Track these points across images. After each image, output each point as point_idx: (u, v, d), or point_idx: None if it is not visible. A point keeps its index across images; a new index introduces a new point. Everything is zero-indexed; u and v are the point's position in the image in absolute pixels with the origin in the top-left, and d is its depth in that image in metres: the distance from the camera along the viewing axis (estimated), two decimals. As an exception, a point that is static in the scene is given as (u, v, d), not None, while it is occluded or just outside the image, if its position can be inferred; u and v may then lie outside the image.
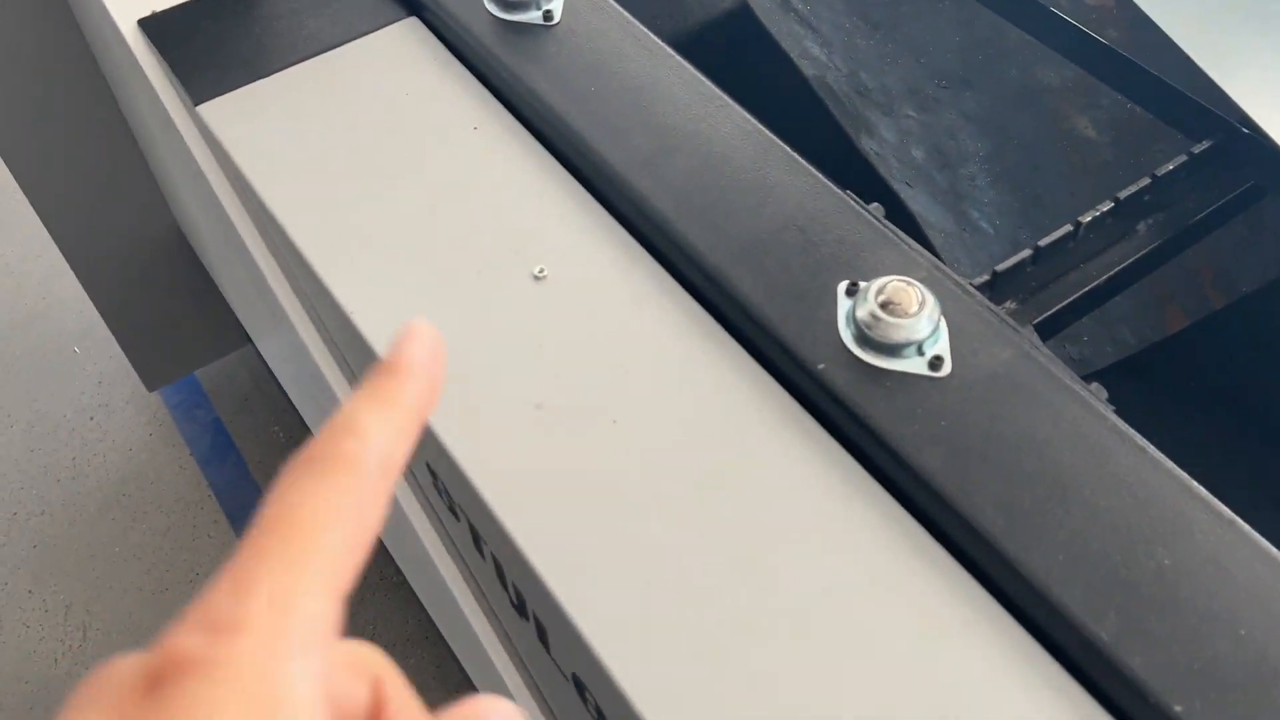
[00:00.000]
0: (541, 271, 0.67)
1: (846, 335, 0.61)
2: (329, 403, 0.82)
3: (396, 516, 0.84)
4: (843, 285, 0.64)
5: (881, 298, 0.60)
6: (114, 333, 1.44)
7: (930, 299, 0.60)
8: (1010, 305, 0.70)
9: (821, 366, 0.60)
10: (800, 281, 0.64)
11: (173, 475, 1.62)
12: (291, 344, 0.87)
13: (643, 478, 0.58)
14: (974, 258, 1.09)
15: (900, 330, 0.59)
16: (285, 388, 1.31)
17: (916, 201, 1.02)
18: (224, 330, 1.45)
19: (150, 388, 1.55)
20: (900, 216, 0.83)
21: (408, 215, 0.71)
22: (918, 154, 1.21)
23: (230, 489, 1.60)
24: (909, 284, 0.60)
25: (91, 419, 1.68)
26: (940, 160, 1.20)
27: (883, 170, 1.05)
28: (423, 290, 0.67)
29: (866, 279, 0.64)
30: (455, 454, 0.60)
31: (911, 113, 1.21)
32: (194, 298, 1.43)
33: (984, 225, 1.18)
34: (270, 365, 1.30)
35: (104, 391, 1.71)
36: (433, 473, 0.68)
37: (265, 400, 1.67)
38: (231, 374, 1.73)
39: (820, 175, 0.70)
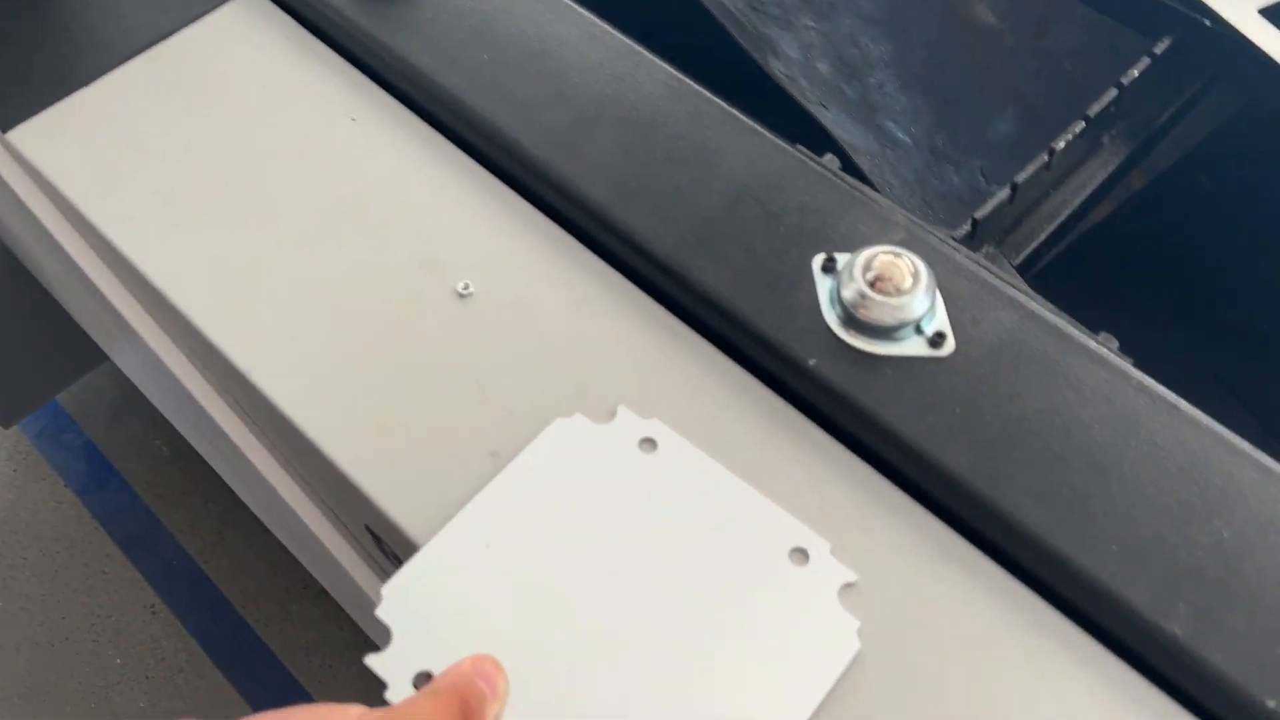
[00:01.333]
0: (466, 288, 0.57)
1: (832, 319, 0.54)
2: (199, 418, 0.70)
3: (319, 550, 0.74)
4: (817, 260, 0.56)
5: (870, 274, 0.52)
6: (-49, 371, 1.27)
7: (923, 270, 0.53)
8: (988, 250, 0.63)
9: (813, 362, 0.52)
10: (768, 262, 0.56)
11: (49, 511, 1.47)
12: (151, 363, 0.75)
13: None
14: (901, 176, 1.02)
15: (895, 310, 0.52)
16: (154, 402, 1.17)
17: (838, 126, 0.94)
18: (78, 349, 1.30)
19: (6, 424, 1.39)
20: (827, 145, 0.75)
21: (288, 239, 0.60)
22: (823, 68, 1.13)
23: (116, 516, 1.46)
24: (897, 255, 0.53)
25: (-57, 461, 1.50)
26: (847, 71, 1.12)
27: (796, 93, 0.97)
28: (326, 337, 0.56)
29: (842, 249, 0.56)
30: (408, 531, 0.50)
31: (810, 22, 1.12)
32: (37, 319, 1.27)
33: (901, 136, 1.11)
34: (134, 380, 1.15)
35: (-48, 429, 1.53)
36: (374, 535, 0.59)
37: (139, 411, 1.52)
38: (97, 387, 1.57)
39: (764, 131, 0.61)
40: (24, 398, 1.37)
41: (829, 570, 0.48)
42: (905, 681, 0.46)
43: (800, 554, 0.49)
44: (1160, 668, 0.46)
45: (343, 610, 1.26)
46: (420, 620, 0.47)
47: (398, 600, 0.47)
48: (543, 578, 0.48)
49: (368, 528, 0.59)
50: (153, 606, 1.39)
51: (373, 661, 0.45)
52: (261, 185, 0.62)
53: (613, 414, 0.53)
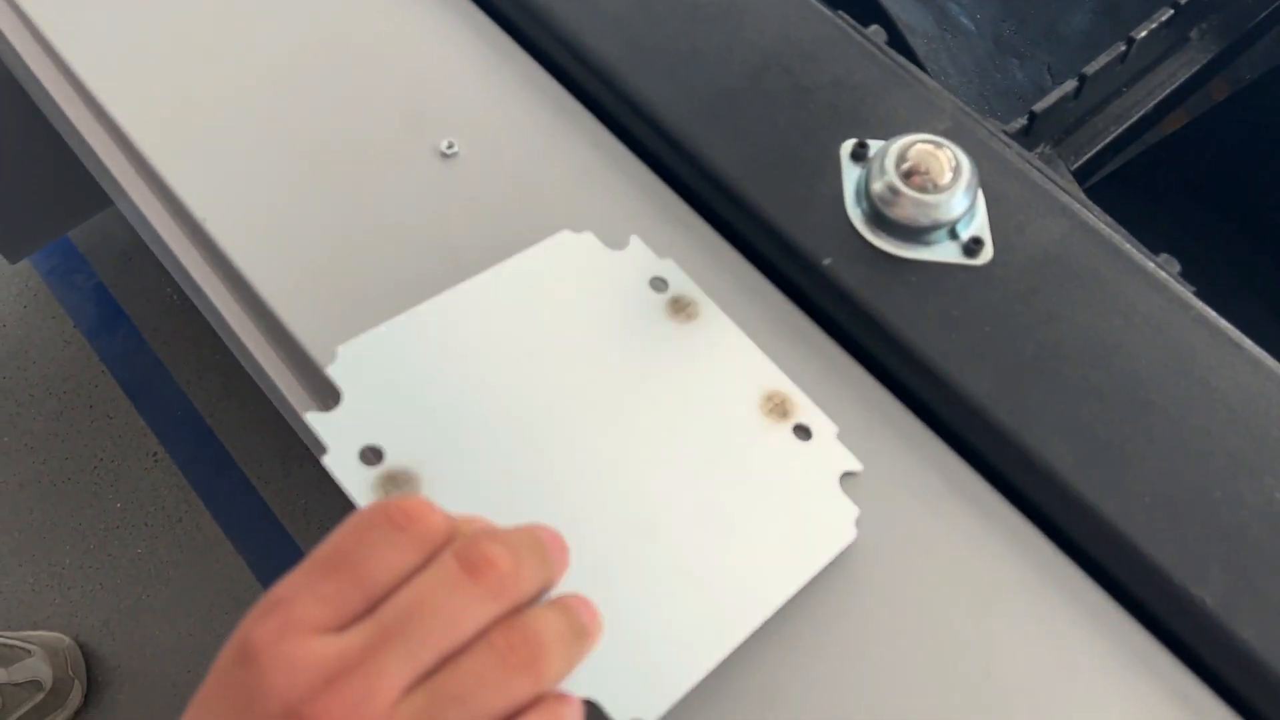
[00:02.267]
0: (450, 147, 0.51)
1: (856, 215, 0.47)
2: (179, 270, 0.66)
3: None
4: (847, 146, 0.49)
5: (905, 165, 0.46)
6: (-44, 200, 1.23)
7: (966, 164, 0.46)
8: (1044, 150, 0.56)
9: (828, 261, 0.46)
10: (791, 144, 0.49)
11: (58, 351, 1.45)
12: (131, 209, 0.70)
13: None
14: (959, 65, 0.93)
15: (929, 208, 0.46)
16: (151, 248, 1.12)
17: (894, 1, 0.85)
18: (87, 186, 1.25)
19: (12, 259, 1.36)
20: (876, 18, 0.67)
21: (262, 77, 0.54)
22: (886, -64, 1.02)
23: (124, 361, 1.44)
24: (937, 145, 0.46)
25: (-46, 293, 1.48)
26: (912, -57, 1.02)
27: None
28: (291, 189, 0.51)
29: (877, 136, 0.49)
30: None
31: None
32: (44, 151, 1.22)
33: (964, 21, 1.01)
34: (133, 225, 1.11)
35: (-37, 260, 1.51)
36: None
37: (150, 257, 1.48)
38: (107, 231, 1.53)
39: (803, -8, 0.54)
40: (31, 232, 1.34)
41: (833, 453, 0.44)
42: (896, 590, 0.42)
43: (803, 431, 0.44)
44: (1181, 635, 0.41)
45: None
46: (373, 391, 0.42)
47: (352, 363, 0.43)
48: (518, 388, 0.43)
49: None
50: (155, 455, 1.37)
51: (314, 419, 0.41)
52: (237, 17, 0.56)
53: (625, 243, 0.48)
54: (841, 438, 0.44)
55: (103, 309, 1.48)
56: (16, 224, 1.31)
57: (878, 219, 0.47)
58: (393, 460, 0.41)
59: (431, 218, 0.50)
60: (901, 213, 0.46)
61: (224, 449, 1.38)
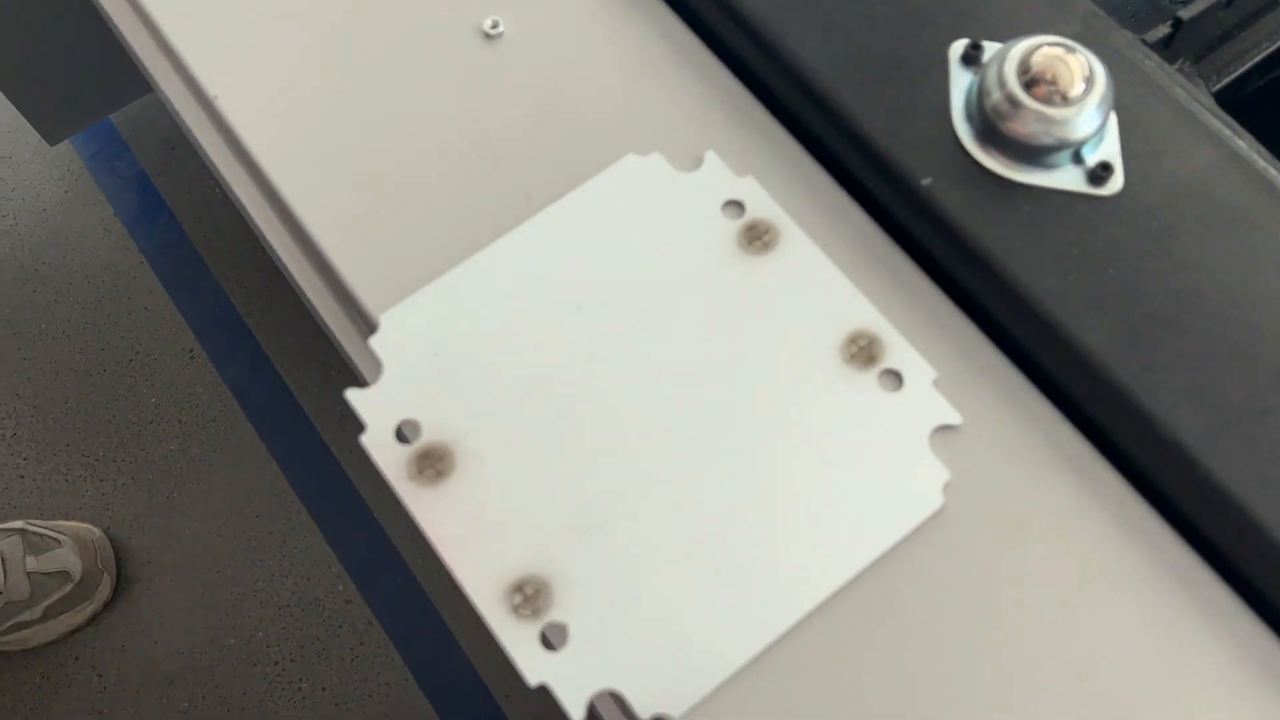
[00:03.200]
0: (495, 27, 0.45)
1: (965, 129, 0.40)
2: (217, 173, 0.61)
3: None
4: (957, 48, 0.42)
5: (1028, 72, 0.39)
6: (-5, 78, 1.18)
7: (1100, 74, 0.39)
8: (1183, 65, 0.48)
9: (927, 181, 0.40)
10: (891, 41, 0.42)
11: (97, 239, 1.41)
12: (169, 110, 0.64)
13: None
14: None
15: (1054, 124, 0.38)
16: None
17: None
18: (128, 71, 1.20)
19: (51, 141, 1.31)
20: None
21: (294, -62, 0.47)
22: None
23: (164, 254, 1.40)
24: (1068, 50, 0.39)
25: (-5, 173, 1.45)
26: None
27: None
28: (311, 64, 0.44)
29: (993, 37, 0.42)
30: (371, 311, 0.40)
31: None
32: (84, 30, 1.17)
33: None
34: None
35: (4, 140, 1.47)
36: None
37: (193, 148, 1.44)
38: (151, 117, 1.48)
39: None
40: (71, 113, 1.29)
41: (927, 404, 0.38)
42: (982, 571, 0.36)
43: (893, 377, 0.38)
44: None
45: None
46: (416, 361, 0.38)
47: (395, 332, 0.39)
48: (568, 346, 0.39)
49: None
50: (191, 351, 1.34)
51: (354, 397, 0.38)
52: None
53: (698, 163, 0.42)
54: (938, 386, 0.38)
55: (144, 198, 1.44)
56: (55, 104, 1.26)
57: (990, 134, 0.40)
58: (429, 436, 0.37)
59: (470, 109, 0.43)
60: (1020, 128, 0.39)
61: (261, 349, 1.35)
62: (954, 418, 0.38)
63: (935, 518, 0.37)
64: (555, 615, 0.35)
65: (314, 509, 1.26)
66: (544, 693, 0.34)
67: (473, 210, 0.42)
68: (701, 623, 0.35)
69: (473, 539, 0.36)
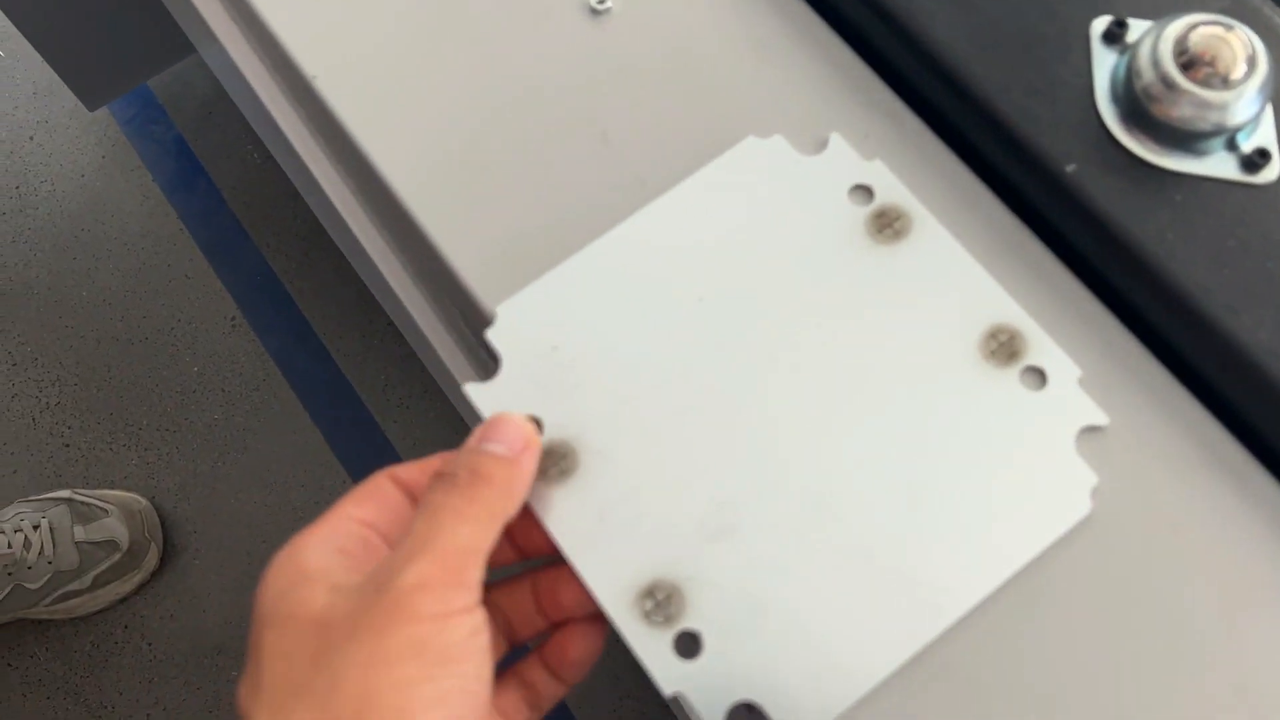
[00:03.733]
0: (602, 2, 0.43)
1: (1110, 114, 0.38)
2: (275, 134, 0.59)
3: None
4: (1099, 25, 0.40)
5: (1185, 54, 0.36)
6: (36, 45, 1.16)
7: (1262, 55, 0.36)
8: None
9: (1071, 168, 0.38)
10: (1026, 17, 0.40)
11: (135, 205, 1.40)
12: (225, 65, 0.63)
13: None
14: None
15: (1212, 109, 0.36)
16: (237, 105, 1.05)
17: None
18: (167, 34, 1.18)
19: (91, 106, 1.29)
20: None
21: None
22: None
23: (203, 219, 1.39)
24: (1227, 29, 0.36)
25: (31, 139, 1.43)
26: None
27: None
28: (413, 42, 0.42)
29: (1136, 13, 0.40)
30: (484, 305, 0.39)
31: None
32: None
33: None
34: (218, 77, 1.03)
35: (41, 105, 1.45)
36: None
37: (232, 112, 1.41)
38: (188, 80, 1.46)
39: None
40: (110, 77, 1.27)
41: (1072, 403, 0.36)
42: (1132, 579, 0.35)
43: (1036, 375, 0.36)
44: None
45: (424, 355, 1.19)
46: (535, 356, 0.37)
47: (512, 324, 0.38)
48: (692, 339, 0.37)
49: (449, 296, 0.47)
50: (233, 319, 1.33)
51: (473, 392, 0.36)
52: None
53: (822, 145, 0.40)
54: (1082, 385, 0.36)
55: (181, 164, 1.42)
56: (95, 69, 1.24)
57: (1138, 118, 0.38)
58: (551, 433, 0.36)
59: (579, 89, 0.42)
60: (1174, 112, 0.37)
61: (303, 318, 1.34)
62: (1100, 418, 0.36)
63: (1082, 524, 0.35)
64: (688, 622, 0.34)
65: (358, 478, 1.26)
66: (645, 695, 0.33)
67: (586, 196, 0.40)
68: (842, 631, 0.33)
69: (600, 540, 0.35)
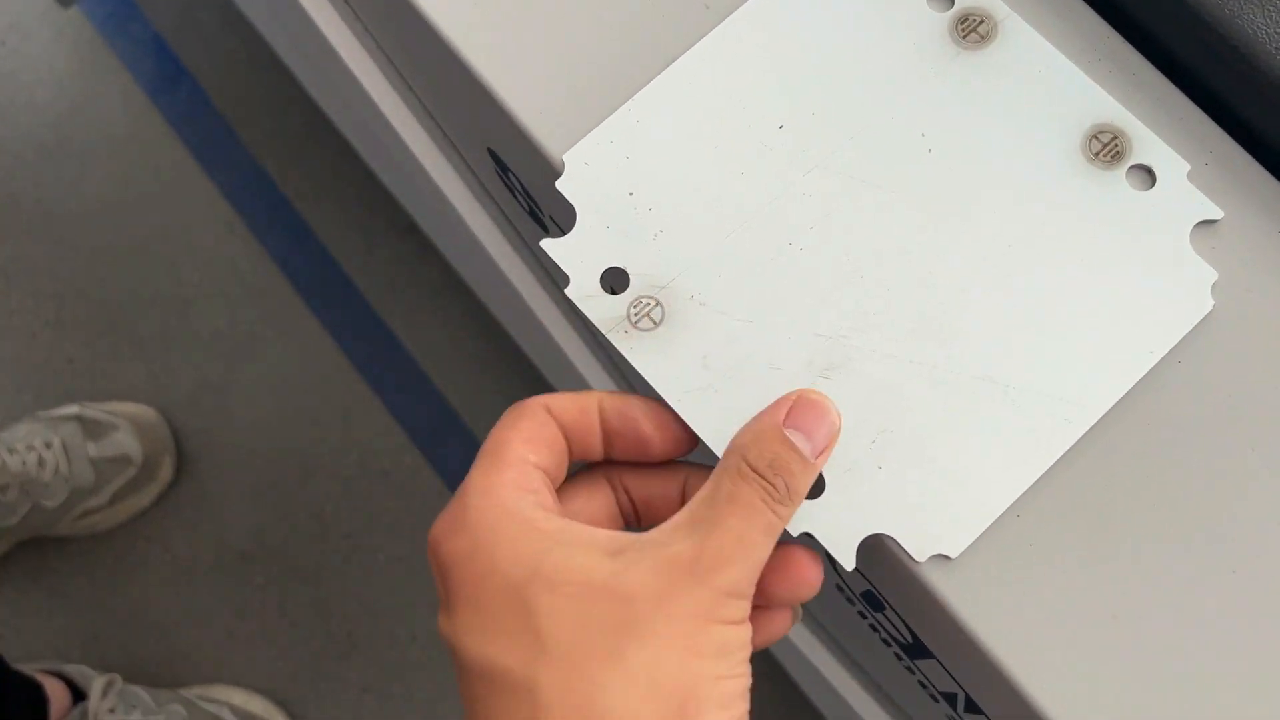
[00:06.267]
0: None
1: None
2: (286, 9, 0.55)
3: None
4: None
5: None
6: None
7: None
8: None
9: (1175, -36, 0.34)
10: None
11: (117, 108, 1.34)
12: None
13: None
14: None
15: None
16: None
17: None
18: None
19: (64, 3, 1.23)
20: None
21: None
22: None
23: (190, 122, 1.33)
24: None
25: (3, 44, 1.37)
26: None
27: None
28: None
29: None
30: (548, 150, 0.36)
31: None
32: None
33: None
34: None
35: (10, 6, 1.38)
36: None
37: (209, 4, 1.36)
38: (162, -27, 1.39)
39: None
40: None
41: (1184, 199, 0.34)
42: (1264, 379, 0.33)
43: (1145, 173, 0.34)
44: None
45: (434, 245, 1.16)
46: (611, 203, 0.35)
47: (582, 171, 0.35)
48: (784, 168, 0.35)
49: (490, 151, 0.44)
50: (230, 223, 1.30)
51: (550, 247, 0.34)
52: None
53: None
54: (1192, 179, 0.34)
55: (162, 64, 1.37)
56: (65, -38, 1.18)
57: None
58: (638, 283, 0.34)
59: None
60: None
61: (301, 218, 1.30)
62: (1215, 212, 0.34)
63: (1205, 321, 0.33)
64: None
65: (371, 380, 1.24)
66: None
67: (645, 26, 0.37)
68: (967, 456, 0.32)
69: (706, 389, 0.33)
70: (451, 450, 1.21)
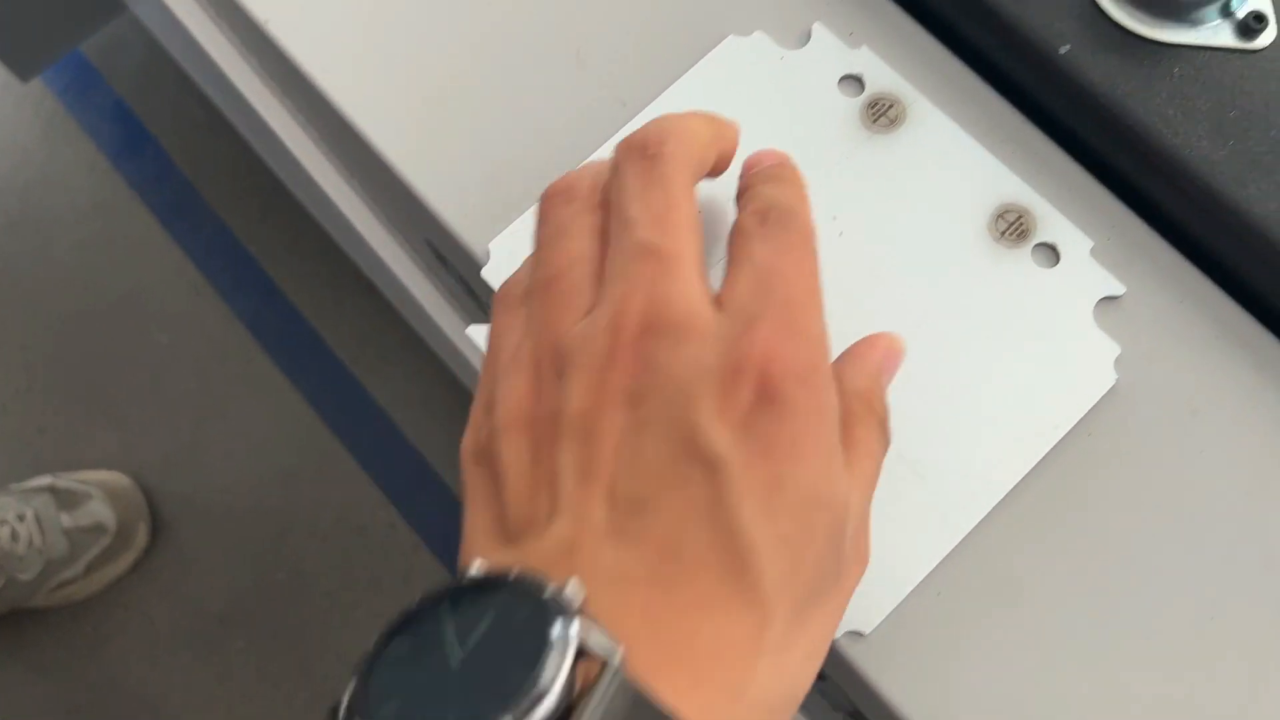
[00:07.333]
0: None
1: (1099, -13, 0.37)
2: (225, 88, 0.56)
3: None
4: (1081, -105, 0.38)
5: (1175, -82, 0.35)
6: (-46, 13, 1.11)
7: (1254, -89, 0.35)
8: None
9: (1064, 49, 0.36)
10: (1007, -106, 0.38)
11: (82, 176, 1.35)
12: (164, 21, 0.59)
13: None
14: None
15: (1204, -26, 0.35)
16: (178, 61, 1.01)
17: None
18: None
19: (24, 77, 1.24)
20: None
21: None
22: None
23: (154, 185, 1.34)
24: (1216, -114, 0.35)
25: (-35, 117, 1.38)
26: None
27: None
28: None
29: (1120, -121, 0.38)
30: (472, 249, 0.37)
31: None
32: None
33: None
34: (155, 35, 0.99)
35: (-30, 81, 1.39)
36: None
37: (170, 69, 1.36)
38: (122, 40, 1.40)
39: None
40: (42, 45, 1.22)
41: (1087, 276, 0.35)
42: (1162, 452, 0.34)
43: (1049, 251, 0.36)
44: None
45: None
46: None
47: (508, 258, 0.36)
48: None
49: (428, 242, 0.46)
50: (196, 286, 1.30)
51: (477, 334, 0.35)
52: None
53: (805, 38, 0.39)
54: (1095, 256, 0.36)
55: (126, 129, 1.38)
56: (23, 37, 1.19)
57: (1129, -9, 0.36)
58: None
59: (545, 7, 0.40)
60: (1165, -19, 0.35)
61: (268, 276, 1.31)
62: (1117, 288, 0.35)
63: (1110, 394, 0.34)
64: None
65: (344, 436, 1.24)
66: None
67: (565, 123, 0.38)
68: (877, 534, 0.33)
69: None
70: (427, 504, 1.21)
